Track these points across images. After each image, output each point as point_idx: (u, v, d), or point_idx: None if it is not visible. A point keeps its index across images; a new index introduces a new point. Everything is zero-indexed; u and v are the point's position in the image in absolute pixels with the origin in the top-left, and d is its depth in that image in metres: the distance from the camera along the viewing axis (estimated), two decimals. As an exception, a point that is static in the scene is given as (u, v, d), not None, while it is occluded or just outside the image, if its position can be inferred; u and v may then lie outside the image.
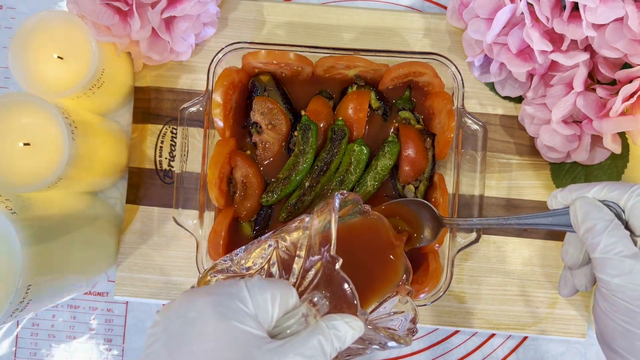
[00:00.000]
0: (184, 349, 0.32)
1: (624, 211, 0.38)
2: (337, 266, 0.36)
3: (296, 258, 0.38)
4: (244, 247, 0.43)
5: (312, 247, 0.38)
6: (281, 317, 0.35)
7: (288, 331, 0.35)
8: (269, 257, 0.41)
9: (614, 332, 0.37)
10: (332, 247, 0.37)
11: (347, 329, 0.35)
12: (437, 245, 0.53)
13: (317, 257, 0.37)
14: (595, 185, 0.40)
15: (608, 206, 0.39)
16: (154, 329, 0.35)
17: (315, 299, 0.36)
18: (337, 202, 0.40)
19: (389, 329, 0.42)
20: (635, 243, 0.38)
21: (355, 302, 0.36)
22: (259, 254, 0.41)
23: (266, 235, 0.42)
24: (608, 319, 0.37)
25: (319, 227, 0.39)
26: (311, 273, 0.37)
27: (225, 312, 0.33)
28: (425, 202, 0.52)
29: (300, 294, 0.37)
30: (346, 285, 0.36)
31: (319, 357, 0.33)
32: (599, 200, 0.39)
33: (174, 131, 0.61)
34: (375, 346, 0.40)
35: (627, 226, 0.38)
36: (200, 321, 0.33)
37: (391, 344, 0.40)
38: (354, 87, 0.57)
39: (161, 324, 0.34)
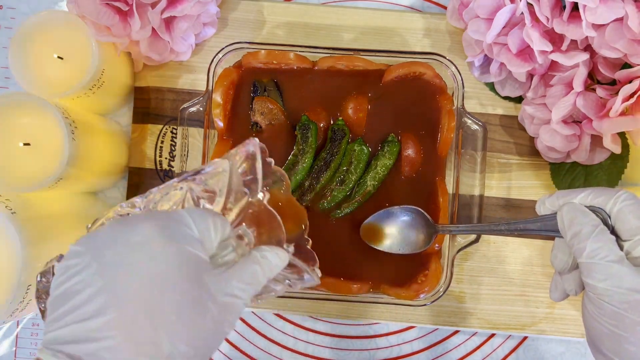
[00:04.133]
0: (127, 275, 0.31)
1: (610, 216, 0.39)
2: (265, 200, 0.38)
3: (216, 199, 0.39)
4: (152, 189, 0.42)
5: (233, 186, 0.39)
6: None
7: (220, 260, 0.36)
8: (182, 199, 0.40)
9: (602, 335, 0.37)
10: (259, 183, 0.39)
11: (276, 259, 0.37)
12: (436, 245, 0.53)
13: (241, 195, 0.39)
14: (581, 192, 0.40)
15: (595, 212, 0.39)
16: (73, 260, 0.32)
17: (241, 232, 0.38)
18: (256, 143, 0.40)
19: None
20: (621, 248, 0.38)
21: (282, 235, 0.39)
22: (174, 196, 0.41)
23: (176, 179, 0.42)
24: (596, 323, 0.38)
25: (239, 167, 0.40)
26: (234, 212, 0.38)
27: (174, 235, 0.32)
28: (419, 209, 0.52)
29: None
30: (275, 218, 0.38)
31: (256, 284, 0.35)
32: (586, 206, 0.40)
33: (174, 131, 0.61)
34: (287, 281, 0.42)
35: (613, 231, 0.39)
36: (147, 245, 0.32)
37: (307, 277, 0.42)
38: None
39: (87, 254, 0.32)
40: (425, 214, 0.52)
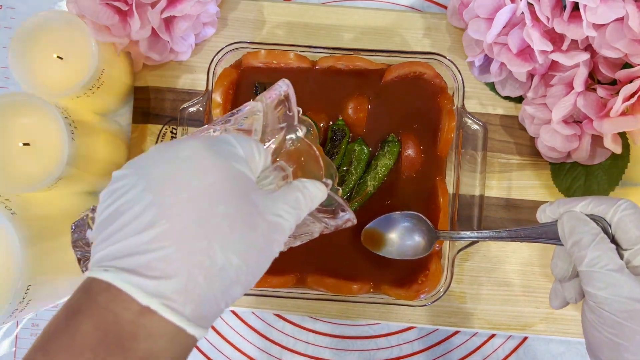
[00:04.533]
0: (177, 188, 0.30)
1: (610, 225, 0.39)
2: (301, 134, 0.38)
3: (252, 137, 0.39)
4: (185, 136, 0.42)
5: (269, 124, 0.39)
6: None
7: (262, 188, 0.36)
8: None
9: (601, 344, 0.37)
10: (295, 116, 0.39)
11: (316, 190, 0.37)
12: (437, 246, 0.53)
13: (277, 131, 0.39)
14: (582, 200, 0.41)
15: (595, 220, 0.40)
16: (118, 183, 0.31)
17: (280, 165, 0.38)
18: (288, 82, 0.41)
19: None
20: (621, 256, 0.38)
21: (320, 170, 0.39)
22: None
23: (207, 125, 0.41)
24: (595, 331, 0.38)
25: (272, 105, 0.40)
26: (271, 148, 0.39)
27: (221, 152, 0.32)
28: (420, 215, 0.52)
29: None
30: (313, 153, 0.39)
31: (299, 210, 0.35)
32: (586, 215, 0.40)
33: (174, 131, 0.61)
34: (325, 220, 0.42)
35: (613, 240, 0.39)
36: (195, 159, 0.31)
37: (342, 214, 0.42)
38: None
39: (133, 175, 0.31)
40: (426, 219, 0.52)
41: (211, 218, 0.30)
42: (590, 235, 0.38)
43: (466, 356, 0.60)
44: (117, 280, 0.28)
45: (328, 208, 0.41)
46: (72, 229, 0.42)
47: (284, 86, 0.41)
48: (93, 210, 0.42)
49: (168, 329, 0.29)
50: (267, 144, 0.38)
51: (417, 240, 0.52)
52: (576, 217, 0.40)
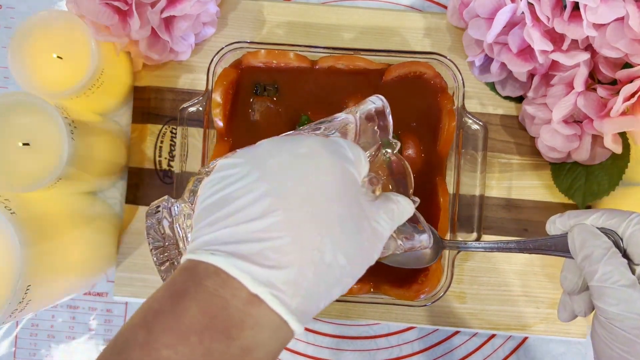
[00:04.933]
0: (294, 181, 0.30)
1: (622, 239, 0.38)
2: (396, 150, 0.39)
3: None
4: None
5: (362, 135, 0.39)
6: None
7: None
8: None
9: None
10: (390, 131, 0.39)
11: (407, 205, 0.37)
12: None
13: (371, 144, 0.39)
14: (593, 213, 0.40)
15: (606, 234, 0.39)
16: (229, 170, 0.31)
17: (374, 177, 0.38)
18: (382, 97, 0.41)
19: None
20: (633, 271, 0.38)
21: (410, 187, 0.39)
22: None
23: (294, 132, 0.42)
24: (606, 347, 0.37)
25: (364, 118, 0.40)
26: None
27: (336, 152, 0.32)
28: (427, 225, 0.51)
29: None
30: (405, 169, 0.40)
31: (393, 222, 0.35)
32: (598, 228, 0.39)
33: (174, 131, 0.61)
34: (405, 243, 0.42)
35: (625, 254, 0.38)
36: (313, 156, 0.31)
37: (418, 236, 0.42)
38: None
39: (246, 164, 0.31)
40: (432, 228, 0.50)
41: (326, 215, 0.30)
42: (602, 249, 0.38)
43: (466, 356, 0.60)
44: (228, 265, 0.28)
45: (407, 228, 0.41)
46: (146, 222, 0.41)
47: (378, 101, 0.41)
48: (168, 199, 0.41)
49: (273, 321, 0.28)
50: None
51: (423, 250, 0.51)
52: (587, 230, 0.39)
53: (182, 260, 0.30)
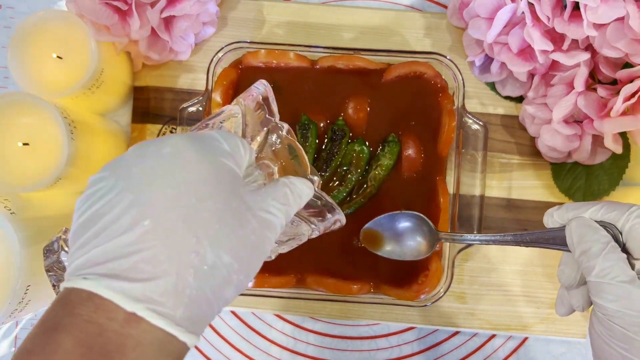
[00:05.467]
0: (160, 184, 0.28)
1: (621, 233, 0.37)
2: (284, 132, 0.38)
3: None
4: None
5: (249, 125, 0.38)
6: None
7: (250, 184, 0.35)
8: None
9: (609, 358, 0.36)
10: (275, 115, 0.39)
11: (303, 186, 0.36)
12: (437, 246, 0.53)
13: (258, 132, 0.39)
14: (592, 205, 0.39)
15: (605, 227, 0.38)
16: (95, 187, 0.29)
17: (264, 163, 0.38)
18: (265, 82, 0.41)
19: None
20: (632, 266, 0.36)
21: (306, 168, 0.39)
22: None
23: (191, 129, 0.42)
24: (604, 344, 0.36)
25: (251, 107, 0.39)
26: (254, 149, 0.38)
27: (206, 147, 0.30)
28: (421, 215, 0.51)
29: None
30: (298, 149, 0.38)
31: (288, 206, 0.34)
32: (596, 221, 0.38)
33: (174, 131, 0.61)
34: (313, 221, 0.42)
35: (624, 248, 0.37)
36: (178, 155, 0.29)
37: (330, 215, 0.41)
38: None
39: (111, 177, 0.29)
40: (428, 220, 0.50)
41: (199, 214, 0.28)
42: (600, 244, 0.36)
43: (466, 356, 0.60)
44: (99, 287, 0.26)
45: (316, 208, 0.40)
46: (44, 252, 0.40)
47: (261, 87, 0.40)
48: (65, 232, 0.41)
49: (157, 337, 0.26)
50: (250, 144, 0.38)
51: (418, 241, 0.51)
52: (585, 223, 0.38)
53: (61, 287, 0.28)
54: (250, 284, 0.53)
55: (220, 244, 0.28)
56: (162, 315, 0.26)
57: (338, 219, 0.42)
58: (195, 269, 0.27)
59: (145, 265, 0.26)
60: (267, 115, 0.40)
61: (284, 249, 0.44)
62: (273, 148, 0.39)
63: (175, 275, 0.27)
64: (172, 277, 0.27)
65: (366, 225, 0.52)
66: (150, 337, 0.26)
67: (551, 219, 0.41)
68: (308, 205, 0.38)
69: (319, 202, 0.40)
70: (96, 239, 0.27)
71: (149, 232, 0.27)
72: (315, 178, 0.39)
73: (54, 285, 0.41)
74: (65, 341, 0.25)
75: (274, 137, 0.39)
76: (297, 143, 0.40)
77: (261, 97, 0.40)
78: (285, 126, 0.39)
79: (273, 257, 0.44)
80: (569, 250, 0.40)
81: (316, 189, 0.38)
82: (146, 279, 0.26)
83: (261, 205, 0.32)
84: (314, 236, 0.43)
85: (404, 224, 0.51)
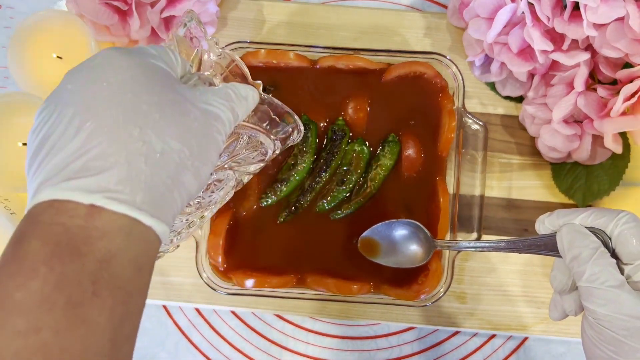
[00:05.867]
0: (95, 89, 0.29)
1: (610, 239, 0.38)
2: (218, 49, 0.40)
3: None
4: None
5: (181, 51, 0.40)
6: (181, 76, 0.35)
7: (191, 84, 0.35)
8: None
9: None
10: (204, 36, 0.40)
11: (246, 88, 0.37)
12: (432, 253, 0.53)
13: (191, 49, 0.40)
14: (582, 212, 0.40)
15: (595, 233, 0.38)
16: (38, 119, 0.30)
17: (204, 75, 0.38)
18: (186, 12, 0.42)
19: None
20: (621, 271, 0.37)
21: (245, 71, 0.41)
22: None
23: None
24: (595, 348, 0.37)
25: (182, 38, 0.41)
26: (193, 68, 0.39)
27: (134, 53, 0.31)
28: (417, 223, 0.51)
29: None
30: (233, 59, 0.41)
31: (232, 103, 0.34)
32: (587, 227, 0.39)
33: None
34: (277, 136, 0.43)
35: (613, 254, 0.38)
36: (109, 61, 0.30)
37: (292, 125, 0.43)
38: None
39: (50, 104, 0.29)
40: (424, 228, 0.51)
41: (137, 107, 0.29)
42: (590, 249, 0.37)
43: (466, 357, 0.60)
44: (55, 192, 0.27)
45: (269, 120, 0.42)
46: None
47: (186, 16, 0.41)
48: None
49: (122, 224, 0.27)
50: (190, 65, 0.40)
51: (414, 249, 0.51)
52: (575, 230, 0.39)
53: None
54: (250, 284, 0.53)
55: (164, 132, 0.29)
56: (121, 202, 0.27)
57: (295, 125, 0.44)
58: (146, 156, 0.28)
59: (96, 162, 0.27)
60: (197, 38, 0.41)
61: (254, 167, 0.45)
62: (211, 66, 0.40)
63: (126, 163, 0.28)
64: (123, 166, 0.27)
65: (363, 234, 0.52)
66: (116, 225, 0.27)
67: (542, 226, 0.42)
68: (262, 118, 0.40)
69: (269, 108, 0.41)
70: (47, 157, 0.28)
71: (92, 132, 0.28)
72: (259, 81, 0.41)
73: None
74: (32, 245, 0.26)
75: (210, 55, 0.40)
76: (234, 55, 0.41)
77: (186, 21, 0.41)
78: (216, 40, 0.41)
79: (245, 181, 0.46)
80: (560, 256, 0.40)
81: (262, 92, 0.39)
82: (98, 172, 0.27)
83: (201, 99, 0.33)
84: (277, 151, 0.44)
85: (401, 232, 0.51)
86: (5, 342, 0.24)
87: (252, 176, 0.48)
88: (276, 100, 0.42)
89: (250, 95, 0.37)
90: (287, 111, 0.43)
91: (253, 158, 0.44)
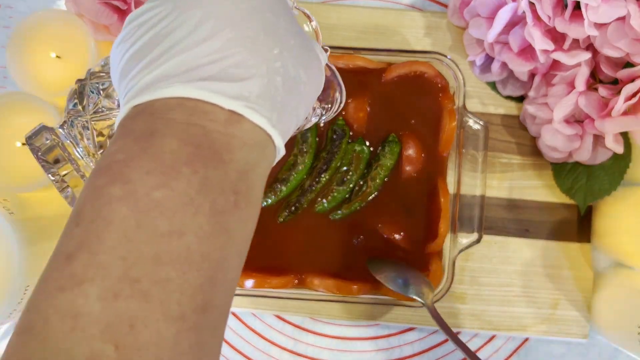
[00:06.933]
0: (231, 1, 0.26)
1: None
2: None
3: None
4: None
5: None
6: None
7: None
8: None
9: None
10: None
11: (322, 50, 0.34)
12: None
13: None
14: None
15: None
16: (147, 14, 0.26)
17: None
18: None
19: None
20: None
21: (320, 35, 0.40)
22: None
23: None
24: None
25: None
26: None
27: None
28: (417, 273, 0.52)
29: None
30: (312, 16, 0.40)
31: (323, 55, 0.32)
32: None
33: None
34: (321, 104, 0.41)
35: None
36: None
37: (337, 94, 0.41)
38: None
39: (166, 3, 0.26)
40: (422, 276, 0.52)
41: (277, 28, 0.27)
42: None
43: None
44: (191, 90, 0.24)
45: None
46: (70, 98, 0.37)
47: None
48: (41, 126, 0.37)
49: (260, 138, 0.26)
50: None
51: (405, 285, 0.52)
52: None
53: (122, 112, 0.25)
54: (249, 284, 0.53)
55: (298, 60, 0.28)
56: (262, 115, 0.25)
57: (338, 96, 0.41)
58: (283, 77, 0.27)
59: (236, 69, 0.25)
60: None
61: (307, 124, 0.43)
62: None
63: (266, 78, 0.26)
64: (264, 80, 0.26)
65: (368, 260, 0.53)
66: (253, 137, 0.25)
67: None
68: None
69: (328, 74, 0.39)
70: (168, 53, 0.25)
71: (232, 40, 0.25)
72: (327, 47, 0.39)
73: (45, 165, 0.36)
74: (167, 142, 0.23)
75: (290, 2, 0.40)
76: (310, 13, 0.40)
77: None
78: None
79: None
80: None
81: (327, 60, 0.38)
82: (239, 80, 0.25)
83: (312, 41, 0.31)
84: (314, 120, 0.42)
85: (391, 274, 0.52)
86: (143, 243, 0.22)
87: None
88: (335, 69, 0.40)
89: (323, 57, 0.35)
90: (339, 84, 0.41)
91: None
